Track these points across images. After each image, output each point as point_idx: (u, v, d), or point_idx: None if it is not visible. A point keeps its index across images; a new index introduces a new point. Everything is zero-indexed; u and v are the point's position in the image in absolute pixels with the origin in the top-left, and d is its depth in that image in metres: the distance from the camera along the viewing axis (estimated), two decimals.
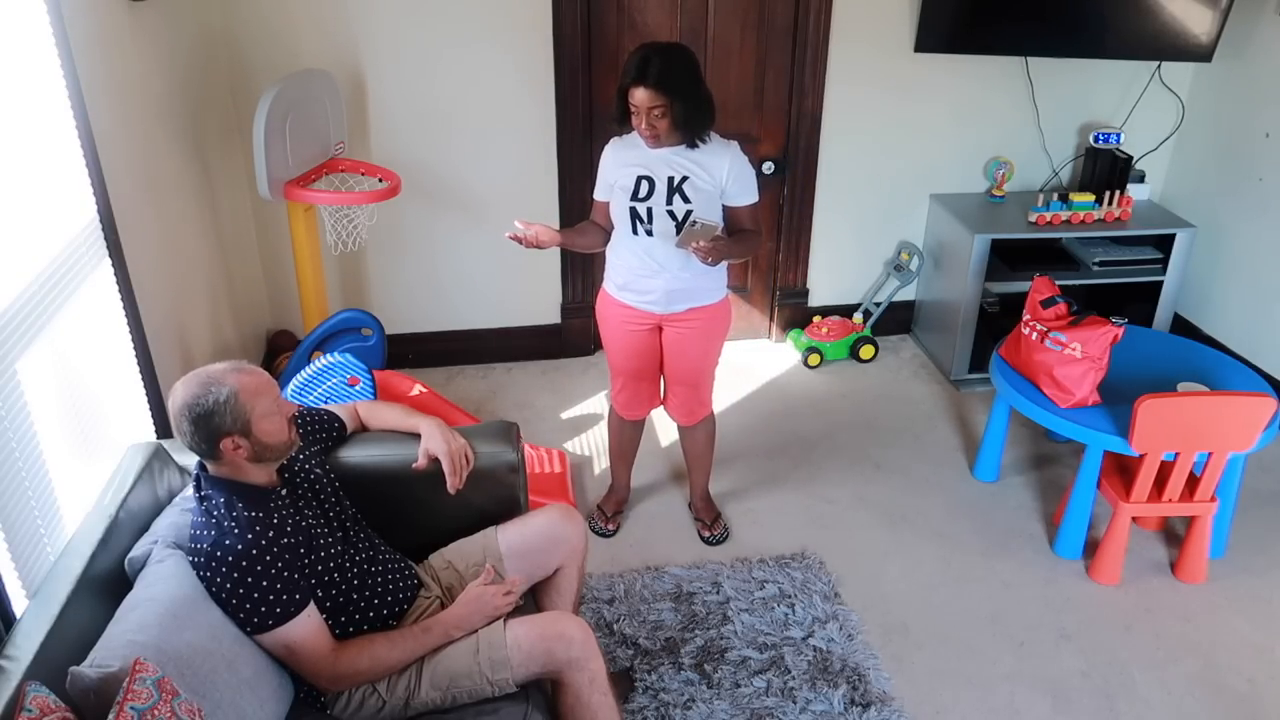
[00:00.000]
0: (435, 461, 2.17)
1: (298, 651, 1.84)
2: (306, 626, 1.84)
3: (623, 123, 2.59)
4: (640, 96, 2.47)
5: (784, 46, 3.82)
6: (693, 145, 2.57)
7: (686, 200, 2.59)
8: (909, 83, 3.93)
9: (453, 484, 2.16)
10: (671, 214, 2.60)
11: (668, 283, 2.68)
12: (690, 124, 2.52)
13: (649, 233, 2.63)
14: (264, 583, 1.79)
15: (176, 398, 1.81)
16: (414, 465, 2.17)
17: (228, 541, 1.80)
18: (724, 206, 2.67)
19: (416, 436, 2.20)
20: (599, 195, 2.76)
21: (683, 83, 2.47)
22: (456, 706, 1.93)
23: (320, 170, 3.29)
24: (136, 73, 2.74)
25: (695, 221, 2.52)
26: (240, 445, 1.83)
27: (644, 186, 2.60)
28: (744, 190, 2.65)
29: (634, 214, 2.63)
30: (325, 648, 1.87)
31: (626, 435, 3.10)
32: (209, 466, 1.90)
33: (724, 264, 2.69)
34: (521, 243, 2.59)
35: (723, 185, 2.61)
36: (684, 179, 2.58)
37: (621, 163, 2.65)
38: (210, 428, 1.80)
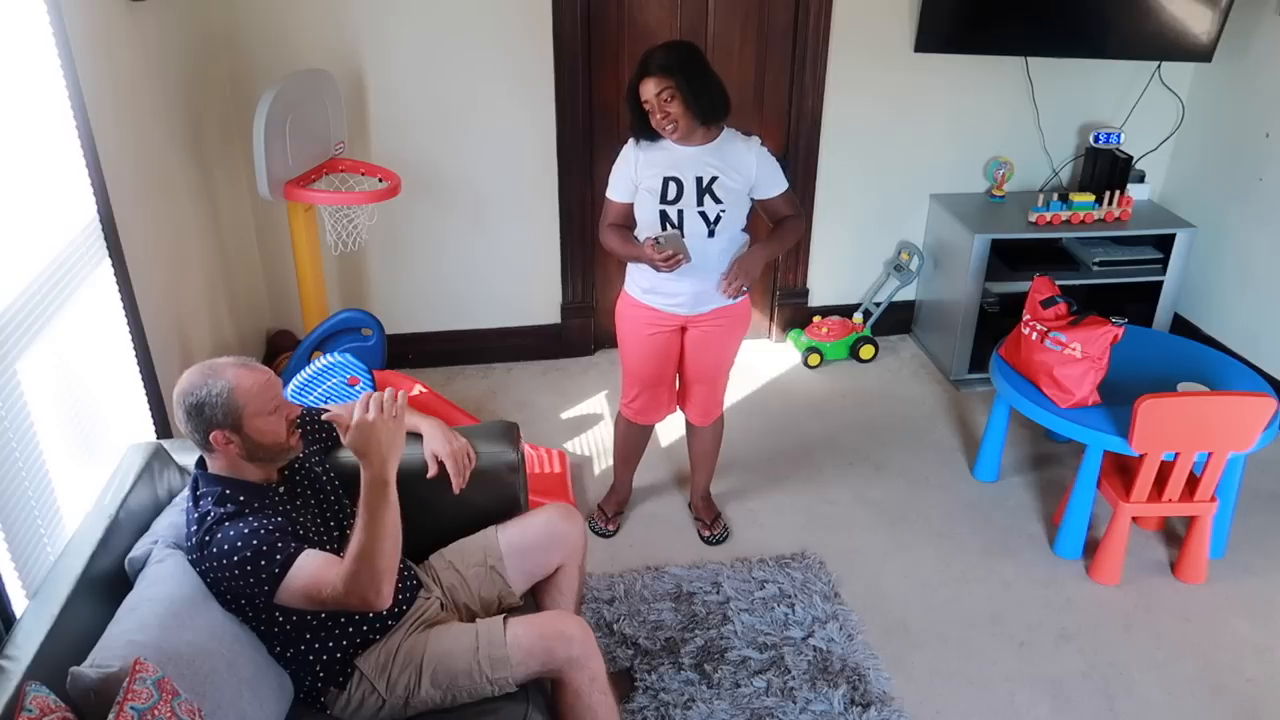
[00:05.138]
0: (441, 464, 2.17)
1: (321, 585, 1.77)
2: (314, 560, 1.80)
3: (641, 130, 2.58)
4: (648, 87, 2.49)
5: (784, 46, 3.82)
6: (712, 126, 2.55)
7: (718, 201, 2.58)
8: (909, 82, 3.93)
9: (457, 484, 2.16)
10: (703, 215, 2.58)
11: (695, 284, 2.68)
12: (701, 103, 2.50)
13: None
14: (254, 541, 1.78)
15: (179, 384, 1.85)
16: (428, 475, 2.17)
17: (213, 525, 1.81)
18: (760, 200, 2.68)
19: (417, 437, 2.20)
20: (619, 196, 2.71)
21: (686, 64, 2.49)
22: (456, 705, 1.94)
23: (320, 170, 3.29)
24: (136, 72, 2.74)
25: (659, 237, 2.52)
26: (232, 440, 1.85)
27: (672, 189, 2.58)
28: (774, 181, 2.67)
29: (664, 217, 2.60)
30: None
31: (634, 439, 3.08)
32: (208, 462, 1.91)
33: None
34: (664, 265, 2.53)
35: (752, 180, 2.63)
36: (714, 179, 2.57)
37: (647, 164, 2.61)
38: (201, 419, 1.83)
